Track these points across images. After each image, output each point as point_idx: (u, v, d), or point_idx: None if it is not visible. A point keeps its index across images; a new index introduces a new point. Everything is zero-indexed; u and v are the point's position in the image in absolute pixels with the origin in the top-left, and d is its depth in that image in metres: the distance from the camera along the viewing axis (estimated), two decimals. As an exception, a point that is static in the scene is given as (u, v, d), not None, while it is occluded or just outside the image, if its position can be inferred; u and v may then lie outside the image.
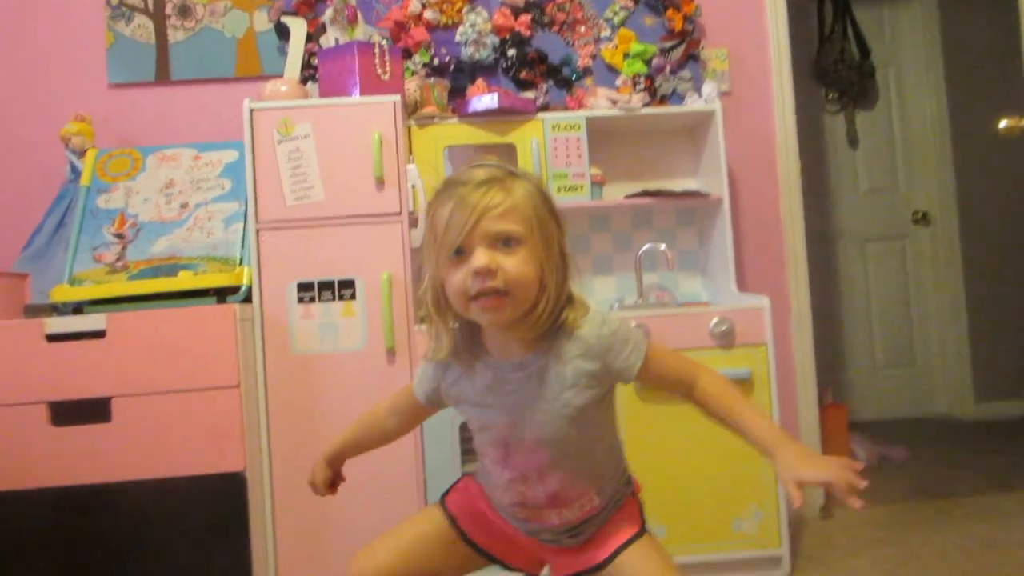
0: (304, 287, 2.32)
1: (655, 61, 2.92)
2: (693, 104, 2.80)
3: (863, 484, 1.13)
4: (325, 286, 2.32)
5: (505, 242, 1.21)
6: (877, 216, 4.70)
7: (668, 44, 2.96)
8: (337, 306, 2.32)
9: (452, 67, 2.84)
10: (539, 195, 1.27)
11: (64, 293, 2.32)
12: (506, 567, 1.47)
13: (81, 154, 2.65)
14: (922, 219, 4.66)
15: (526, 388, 1.30)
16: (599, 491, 1.38)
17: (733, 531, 2.36)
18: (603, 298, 2.90)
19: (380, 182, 2.35)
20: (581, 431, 1.32)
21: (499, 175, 1.25)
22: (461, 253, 1.22)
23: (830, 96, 4.67)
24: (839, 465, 1.15)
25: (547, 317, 1.25)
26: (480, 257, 1.19)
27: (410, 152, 2.53)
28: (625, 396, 2.31)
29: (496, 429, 1.34)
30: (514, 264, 1.20)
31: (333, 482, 1.61)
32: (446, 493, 1.52)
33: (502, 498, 1.41)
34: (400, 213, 2.36)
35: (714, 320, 2.36)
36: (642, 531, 1.39)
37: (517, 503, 1.38)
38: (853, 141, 4.70)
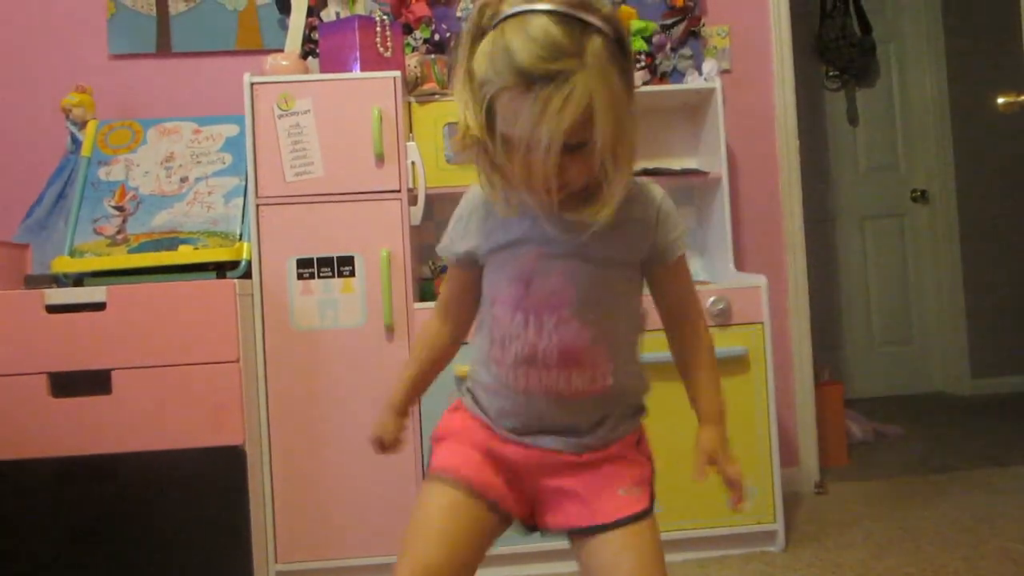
0: (303, 263, 2.33)
1: (656, 38, 2.91)
2: (693, 82, 2.80)
3: (747, 505, 1.26)
4: (324, 262, 2.33)
5: (571, 147, 1.09)
6: (876, 194, 4.72)
7: (669, 21, 2.95)
8: (336, 283, 2.33)
9: (453, 43, 2.83)
10: (613, 66, 1.10)
11: (65, 264, 2.33)
12: (504, 515, 1.31)
13: (82, 125, 2.65)
14: (921, 197, 4.67)
15: (574, 229, 1.19)
16: (614, 371, 1.27)
17: (728, 507, 2.38)
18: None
19: (380, 159, 2.35)
20: (610, 288, 1.26)
21: (566, 46, 1.05)
22: (517, 146, 1.10)
23: (830, 73, 4.67)
24: (740, 474, 1.31)
25: (598, 211, 1.15)
26: (542, 167, 1.08)
27: (410, 129, 2.53)
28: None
29: (524, 259, 1.23)
30: (578, 169, 1.11)
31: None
32: (431, 456, 1.37)
33: (505, 357, 1.26)
34: (400, 190, 2.36)
35: (711, 299, 2.37)
36: (650, 508, 1.31)
37: (525, 358, 1.24)
38: (853, 119, 4.70)
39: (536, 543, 2.32)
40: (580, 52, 1.06)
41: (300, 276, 2.33)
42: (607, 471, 1.29)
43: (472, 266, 1.32)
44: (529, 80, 1.05)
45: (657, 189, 1.28)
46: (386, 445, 1.41)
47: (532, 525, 1.35)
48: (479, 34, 1.13)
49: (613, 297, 1.27)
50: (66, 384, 2.13)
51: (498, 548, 2.32)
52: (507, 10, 1.10)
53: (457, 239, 1.32)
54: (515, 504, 1.31)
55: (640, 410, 1.36)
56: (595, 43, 1.08)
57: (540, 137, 1.06)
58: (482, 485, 1.28)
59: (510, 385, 1.27)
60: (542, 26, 1.06)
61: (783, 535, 2.41)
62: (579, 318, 1.23)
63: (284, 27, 2.82)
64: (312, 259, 2.33)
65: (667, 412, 2.43)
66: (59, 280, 2.35)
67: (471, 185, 1.31)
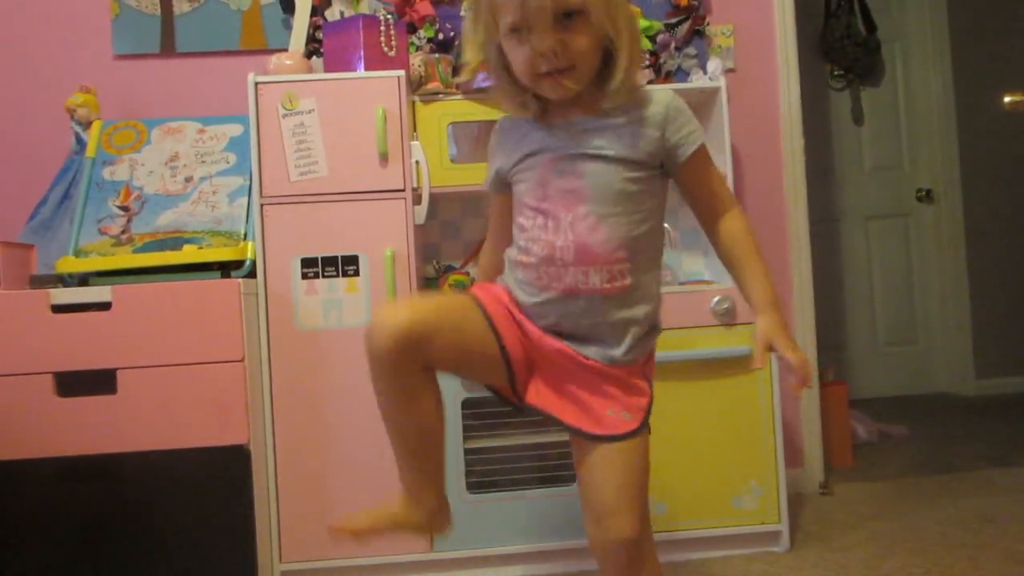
0: (308, 263, 2.33)
1: (660, 38, 2.90)
2: (698, 81, 2.79)
3: (812, 384, 1.24)
4: (329, 262, 2.33)
5: (567, 14, 1.18)
6: (881, 194, 4.71)
7: (673, 20, 2.95)
8: (341, 282, 2.33)
9: (457, 42, 2.83)
10: None
11: (69, 265, 2.33)
12: (507, 365, 1.33)
13: (86, 125, 2.65)
14: (926, 197, 4.66)
15: (585, 132, 1.31)
16: (632, 268, 1.31)
17: (733, 507, 2.38)
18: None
19: (384, 158, 2.35)
20: (624, 187, 1.30)
21: None
22: (519, 31, 1.21)
23: (835, 72, 4.66)
24: (804, 358, 1.27)
25: (617, 87, 1.26)
26: (543, 40, 1.18)
27: (414, 128, 2.53)
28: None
29: (541, 166, 1.33)
30: (578, 40, 1.20)
31: None
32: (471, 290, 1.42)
33: (529, 260, 1.33)
34: (404, 189, 2.36)
35: (716, 298, 2.37)
36: (639, 428, 1.33)
37: (545, 258, 1.31)
38: (858, 118, 4.69)
39: (536, 544, 2.33)
40: None
41: (304, 275, 2.33)
42: (613, 395, 1.33)
43: (504, 188, 1.42)
44: None
45: (668, 91, 1.34)
46: None
47: (516, 402, 1.38)
48: None
49: (628, 196, 1.31)
50: (71, 384, 2.14)
51: (498, 548, 2.33)
52: None
53: (490, 167, 1.45)
54: (521, 369, 1.34)
55: (656, 328, 1.40)
56: None
57: (532, 5, 1.16)
58: (505, 332, 1.32)
59: (536, 288, 1.33)
60: None
61: (787, 536, 2.41)
62: (594, 215, 1.29)
63: (288, 27, 2.81)
64: (316, 258, 2.33)
65: (669, 412, 2.43)
66: (64, 280, 2.35)
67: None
